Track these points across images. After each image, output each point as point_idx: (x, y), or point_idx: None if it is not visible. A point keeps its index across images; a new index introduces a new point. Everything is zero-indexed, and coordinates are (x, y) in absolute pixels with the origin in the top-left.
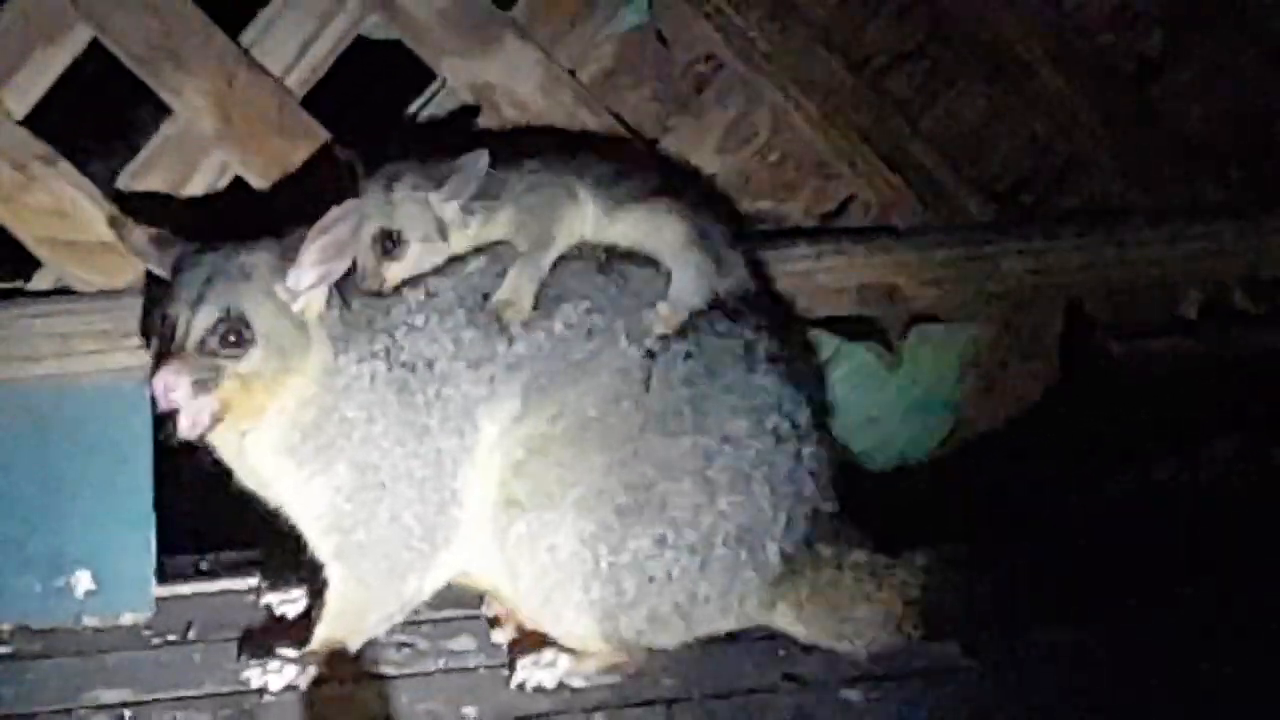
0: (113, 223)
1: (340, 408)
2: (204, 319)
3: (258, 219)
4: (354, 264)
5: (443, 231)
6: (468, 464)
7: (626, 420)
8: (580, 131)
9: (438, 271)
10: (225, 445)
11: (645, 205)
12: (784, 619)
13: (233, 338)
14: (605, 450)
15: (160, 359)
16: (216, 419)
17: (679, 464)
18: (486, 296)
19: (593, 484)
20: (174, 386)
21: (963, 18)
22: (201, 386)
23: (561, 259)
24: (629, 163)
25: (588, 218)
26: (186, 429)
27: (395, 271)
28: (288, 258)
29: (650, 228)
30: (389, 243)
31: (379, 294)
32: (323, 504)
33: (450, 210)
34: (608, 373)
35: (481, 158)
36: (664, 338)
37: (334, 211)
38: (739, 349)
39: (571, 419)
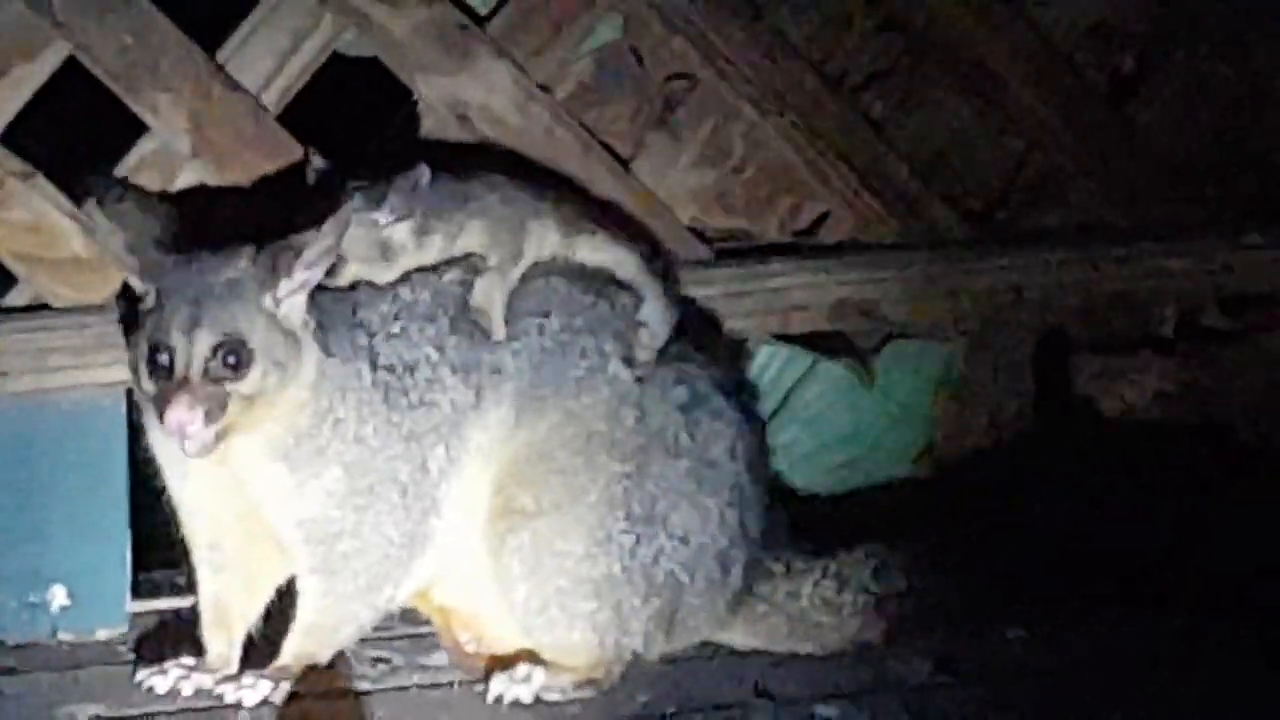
0: (86, 223)
1: (334, 409)
2: (203, 346)
3: (232, 229)
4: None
5: (386, 254)
6: (453, 473)
7: (631, 436)
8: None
9: (409, 282)
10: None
11: (601, 233)
12: (740, 634)
13: (233, 360)
14: (618, 460)
15: (168, 395)
16: (220, 438)
17: (677, 485)
18: (466, 305)
19: (605, 490)
20: (189, 421)
21: (938, 36)
22: (211, 415)
23: (546, 274)
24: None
25: (550, 238)
26: (195, 451)
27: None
28: (278, 269)
29: (609, 256)
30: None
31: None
32: (312, 510)
33: (400, 231)
34: (607, 389)
35: (421, 175)
36: (649, 362)
37: (329, 223)
38: (713, 376)
39: (578, 428)
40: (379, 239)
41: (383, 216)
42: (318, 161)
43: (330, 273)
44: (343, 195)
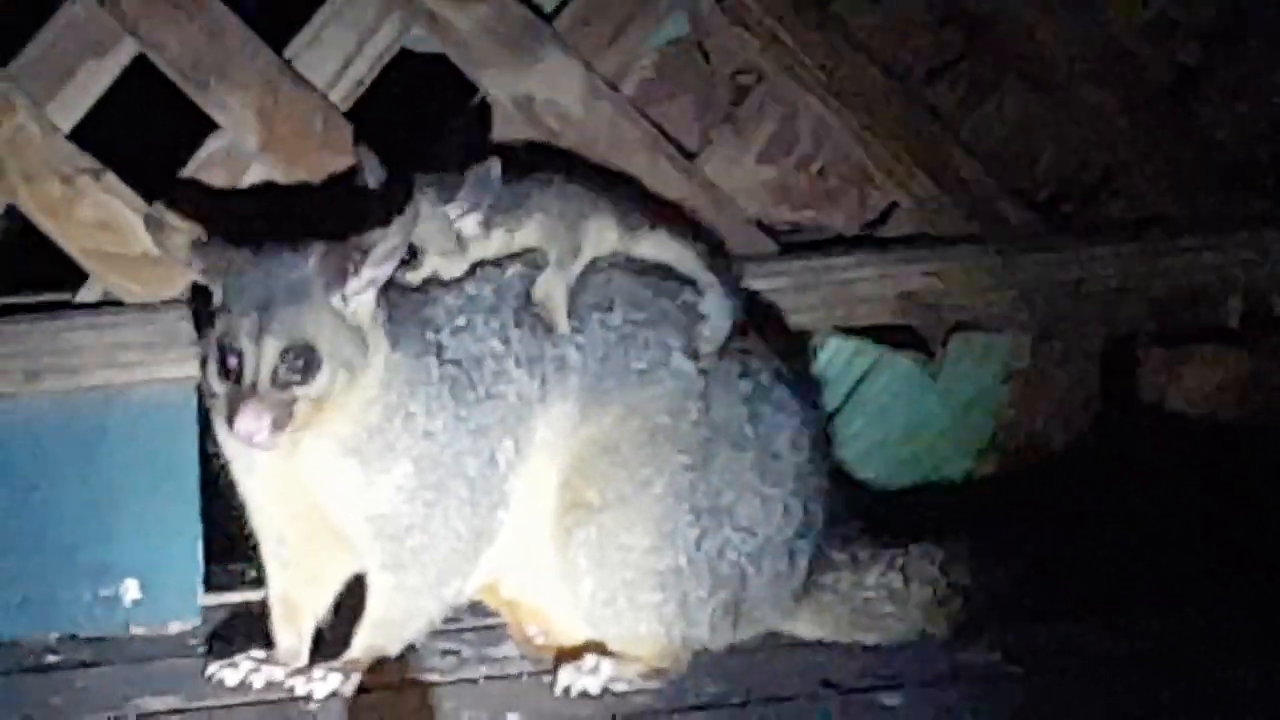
0: (149, 223)
1: (405, 404)
2: (271, 352)
3: (300, 226)
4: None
5: (461, 245)
6: (520, 467)
7: (696, 429)
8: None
9: (473, 276)
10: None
11: (661, 229)
12: (805, 625)
13: (301, 364)
14: (682, 453)
15: (236, 403)
16: (290, 435)
17: (742, 478)
18: (528, 300)
19: (670, 483)
20: (257, 430)
21: (1001, 29)
22: (278, 422)
23: (608, 268)
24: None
25: (609, 235)
26: (264, 446)
27: (410, 279)
28: (347, 268)
29: (670, 252)
30: (407, 254)
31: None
32: (382, 505)
33: (470, 224)
34: (671, 382)
35: (493, 167)
36: (713, 355)
37: (397, 222)
38: (777, 368)
39: (641, 421)
40: (453, 231)
41: (455, 209)
42: (368, 159)
43: (407, 265)
44: (415, 191)
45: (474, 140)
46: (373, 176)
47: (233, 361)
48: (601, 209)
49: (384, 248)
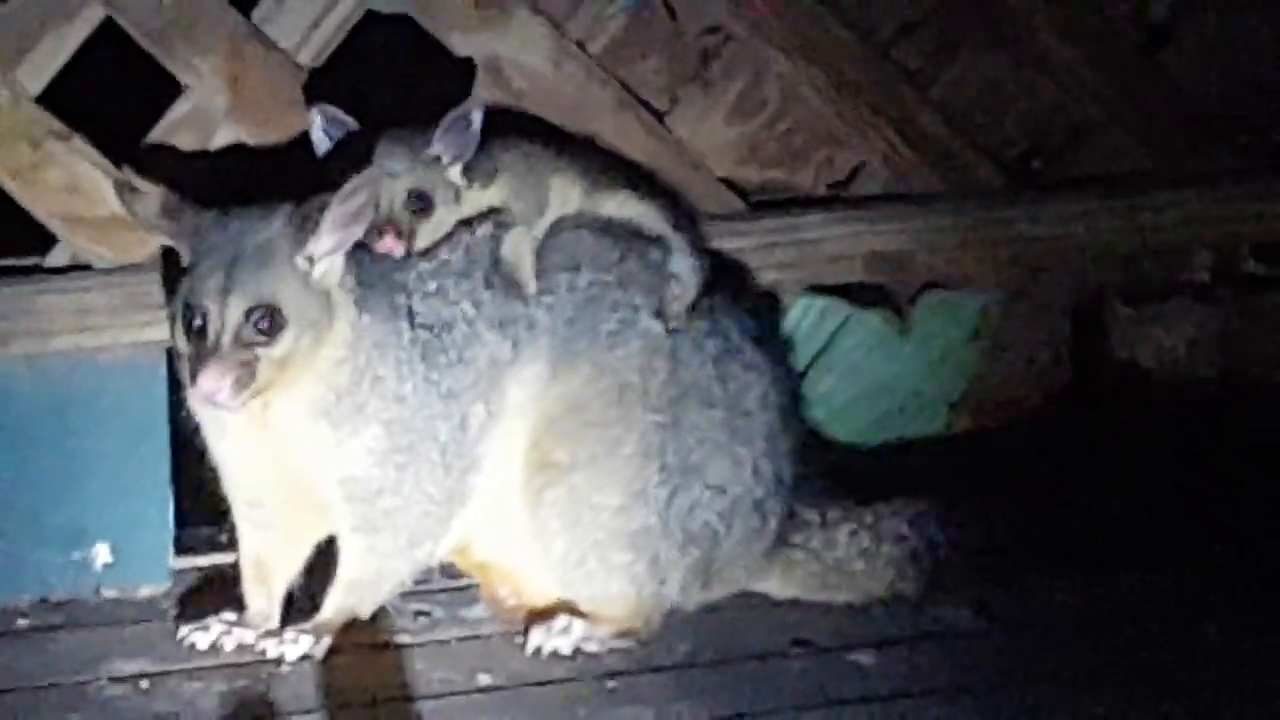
0: (119, 188)
1: (373, 366)
2: (235, 311)
3: (267, 186)
4: (368, 229)
5: (457, 194)
6: (492, 429)
7: (665, 388)
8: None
9: (446, 239)
10: (245, 412)
11: (624, 190)
12: (777, 584)
13: (265, 324)
14: (652, 412)
15: (199, 362)
16: (253, 395)
17: (712, 436)
18: (498, 261)
19: (640, 442)
20: (218, 390)
21: None
22: (240, 382)
23: (575, 229)
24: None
25: (573, 194)
26: (226, 406)
27: (425, 231)
28: (307, 228)
29: (634, 211)
30: (420, 202)
31: (407, 255)
32: (354, 468)
33: (454, 174)
34: (639, 342)
35: (474, 113)
36: (681, 314)
37: (355, 180)
38: (746, 326)
39: (611, 380)
40: (448, 180)
41: (445, 156)
42: (323, 118)
43: (423, 214)
44: (380, 149)
45: (443, 100)
46: (329, 134)
47: (197, 321)
48: (564, 168)
49: (345, 208)
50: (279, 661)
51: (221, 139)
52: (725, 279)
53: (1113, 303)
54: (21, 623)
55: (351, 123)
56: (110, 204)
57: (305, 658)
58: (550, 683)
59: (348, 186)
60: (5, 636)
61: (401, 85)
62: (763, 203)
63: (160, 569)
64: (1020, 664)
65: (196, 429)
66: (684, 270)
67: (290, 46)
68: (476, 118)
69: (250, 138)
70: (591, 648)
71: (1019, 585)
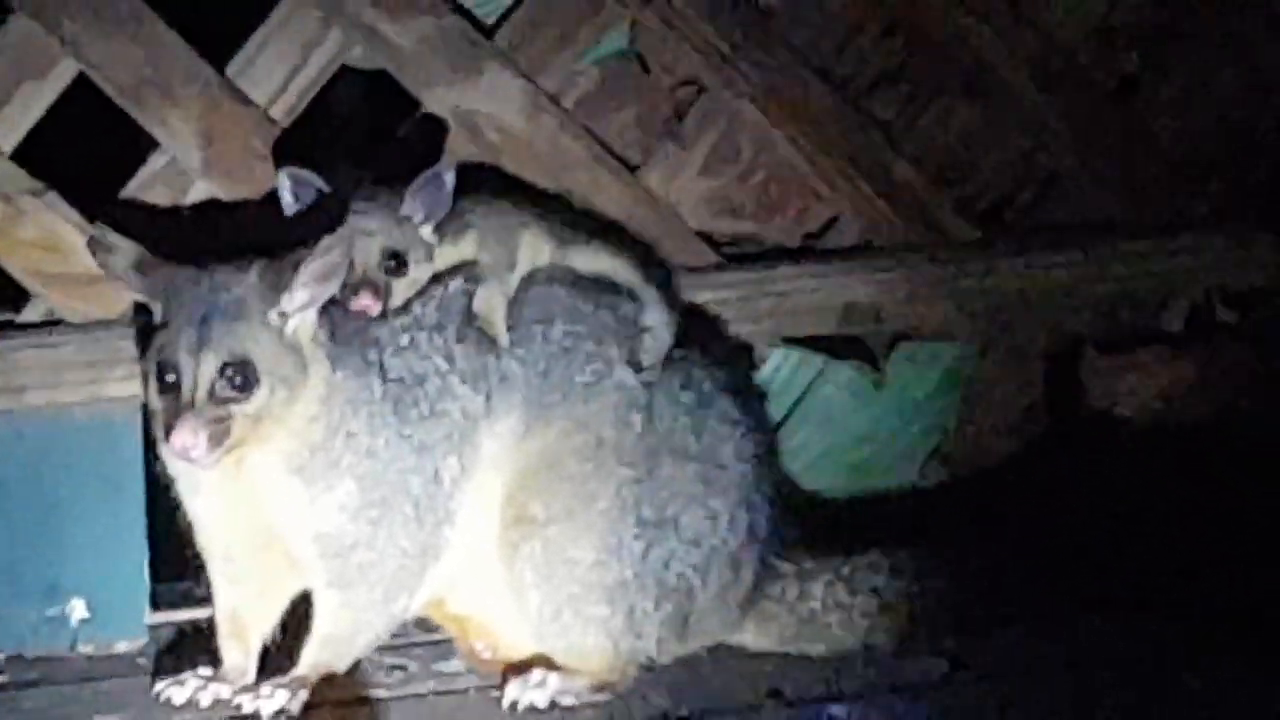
0: (92, 245)
1: (346, 421)
2: (209, 367)
3: (241, 242)
4: (341, 287)
5: (429, 252)
6: (465, 483)
7: (640, 441)
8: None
9: (418, 294)
10: (219, 468)
11: (596, 243)
12: (752, 636)
13: (239, 380)
14: (627, 465)
15: (173, 418)
16: (227, 451)
17: (687, 489)
18: (470, 315)
19: (615, 496)
20: (193, 446)
21: (942, 38)
22: (216, 438)
23: (548, 281)
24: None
25: (543, 248)
26: (200, 462)
27: (400, 289)
28: (280, 284)
29: (605, 265)
30: (394, 261)
31: (383, 314)
32: (327, 524)
33: (427, 232)
34: (614, 395)
35: (446, 173)
36: (655, 367)
37: (329, 238)
38: (720, 379)
39: (587, 436)
40: (420, 238)
41: (417, 215)
42: (291, 181)
43: (398, 273)
44: (353, 207)
45: (417, 155)
46: (298, 196)
47: (170, 377)
48: (533, 222)
49: (319, 265)
50: (255, 717)
51: (196, 194)
52: (700, 331)
53: (1088, 352)
54: None
55: (321, 183)
56: (84, 261)
57: (281, 713)
58: None
59: (323, 244)
60: None
61: (373, 139)
62: (737, 255)
63: (136, 624)
64: (994, 715)
65: (171, 484)
66: (657, 323)
67: (264, 101)
68: (449, 178)
69: (224, 193)
70: (568, 701)
71: (993, 636)
